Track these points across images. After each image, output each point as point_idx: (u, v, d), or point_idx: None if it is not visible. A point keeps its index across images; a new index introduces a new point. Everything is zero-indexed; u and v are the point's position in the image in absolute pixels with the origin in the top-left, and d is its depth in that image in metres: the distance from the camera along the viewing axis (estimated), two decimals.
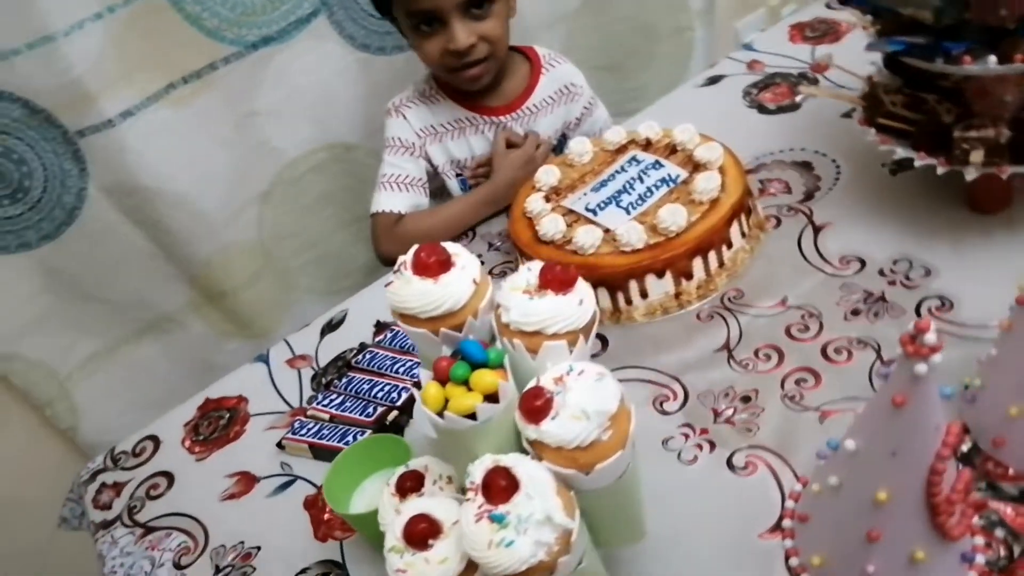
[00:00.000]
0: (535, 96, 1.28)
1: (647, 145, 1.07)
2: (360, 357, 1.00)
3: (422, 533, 0.58)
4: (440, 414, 0.57)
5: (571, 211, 1.01)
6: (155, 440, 1.04)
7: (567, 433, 0.55)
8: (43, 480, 1.25)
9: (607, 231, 0.95)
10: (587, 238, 0.94)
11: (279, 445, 0.94)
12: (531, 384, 0.59)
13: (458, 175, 1.29)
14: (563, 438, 0.55)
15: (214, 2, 1.30)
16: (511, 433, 0.58)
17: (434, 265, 0.60)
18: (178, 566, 0.87)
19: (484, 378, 0.56)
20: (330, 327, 1.11)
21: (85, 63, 1.21)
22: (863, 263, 0.91)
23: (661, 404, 0.85)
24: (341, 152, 1.50)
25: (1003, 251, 0.86)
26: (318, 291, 1.57)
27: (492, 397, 0.57)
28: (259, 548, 0.86)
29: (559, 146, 1.31)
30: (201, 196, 1.39)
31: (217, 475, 0.95)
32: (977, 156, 0.80)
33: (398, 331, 1.02)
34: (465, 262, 0.61)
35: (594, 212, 0.99)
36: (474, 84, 1.20)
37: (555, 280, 0.60)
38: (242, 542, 0.87)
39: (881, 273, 0.89)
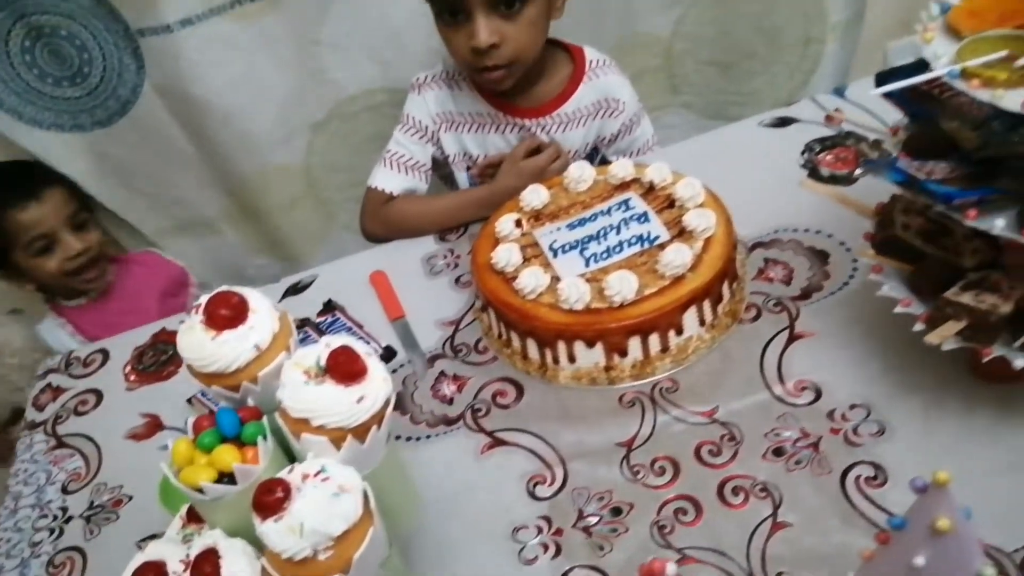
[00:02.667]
0: (570, 104, 1.17)
1: (649, 189, 0.97)
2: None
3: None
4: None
5: (536, 243, 0.94)
6: (105, 355, 1.08)
7: (279, 543, 0.51)
8: None
9: (555, 279, 0.88)
10: (530, 281, 0.87)
11: (188, 401, 0.95)
12: (284, 472, 0.55)
13: (468, 168, 1.22)
14: (275, 545, 0.52)
15: None
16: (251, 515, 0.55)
17: (221, 318, 0.56)
18: (65, 490, 0.91)
19: (224, 455, 0.53)
20: (295, 289, 1.11)
21: None
22: (818, 395, 0.80)
23: (535, 485, 0.79)
24: (400, 97, 1.45)
25: (977, 435, 0.72)
26: (355, 229, 1.57)
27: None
28: (131, 498, 0.89)
29: (588, 158, 1.20)
30: (251, 115, 1.41)
31: (133, 410, 0.98)
32: (949, 329, 0.66)
33: (338, 318, 1.00)
34: (257, 322, 0.57)
35: (554, 253, 0.91)
36: (495, 87, 1.11)
37: (340, 368, 0.55)
38: (121, 486, 0.90)
39: (830, 415, 0.78)
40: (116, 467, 0.92)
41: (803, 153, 1.08)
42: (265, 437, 0.55)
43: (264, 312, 0.59)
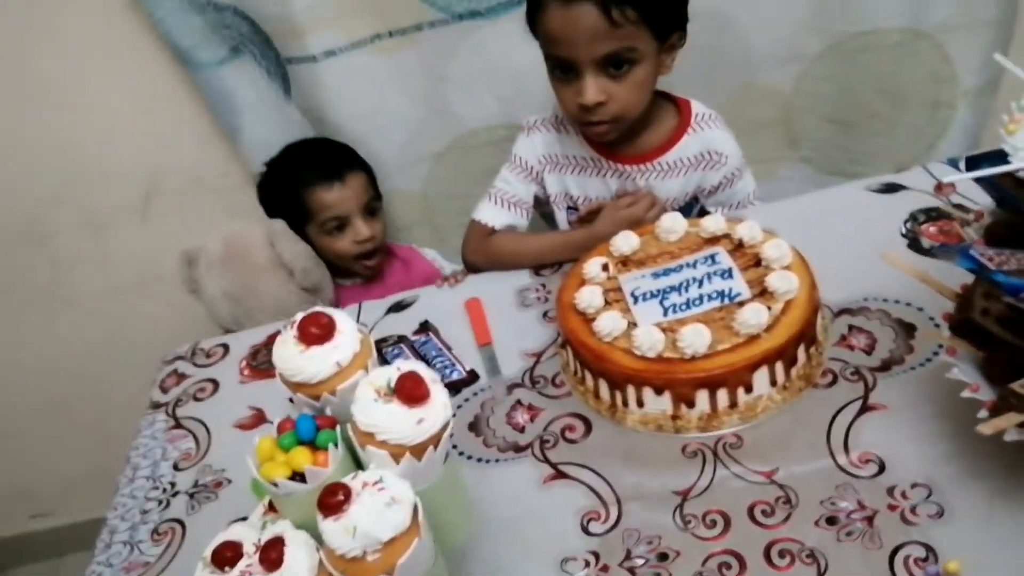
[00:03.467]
0: (671, 154, 1.21)
1: (738, 246, 0.99)
2: (390, 349, 1.07)
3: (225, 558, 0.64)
4: None
5: (620, 288, 0.98)
6: (226, 349, 1.20)
7: (335, 540, 0.58)
8: None
9: (632, 325, 0.92)
10: (608, 324, 0.91)
11: (290, 399, 1.04)
12: (348, 478, 0.62)
13: (569, 207, 1.27)
14: (332, 542, 0.58)
15: None
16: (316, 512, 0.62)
17: (310, 335, 0.64)
18: (176, 467, 1.02)
19: (298, 456, 0.60)
20: (398, 307, 1.19)
21: (302, 2, 1.35)
22: (882, 469, 0.80)
23: (589, 521, 0.83)
24: (518, 134, 1.53)
25: None
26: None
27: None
28: (230, 481, 0.98)
29: (686, 209, 1.23)
30: (379, 141, 1.52)
31: (244, 402, 1.09)
32: (1008, 420, 0.65)
33: (431, 339, 1.07)
34: (341, 342, 0.64)
35: (635, 299, 0.95)
36: (599, 139, 1.17)
37: (405, 391, 0.62)
38: (224, 470, 1.00)
39: (890, 491, 0.77)
40: (222, 452, 1.02)
41: (906, 222, 1.07)
42: (336, 444, 0.62)
43: (348, 333, 0.66)
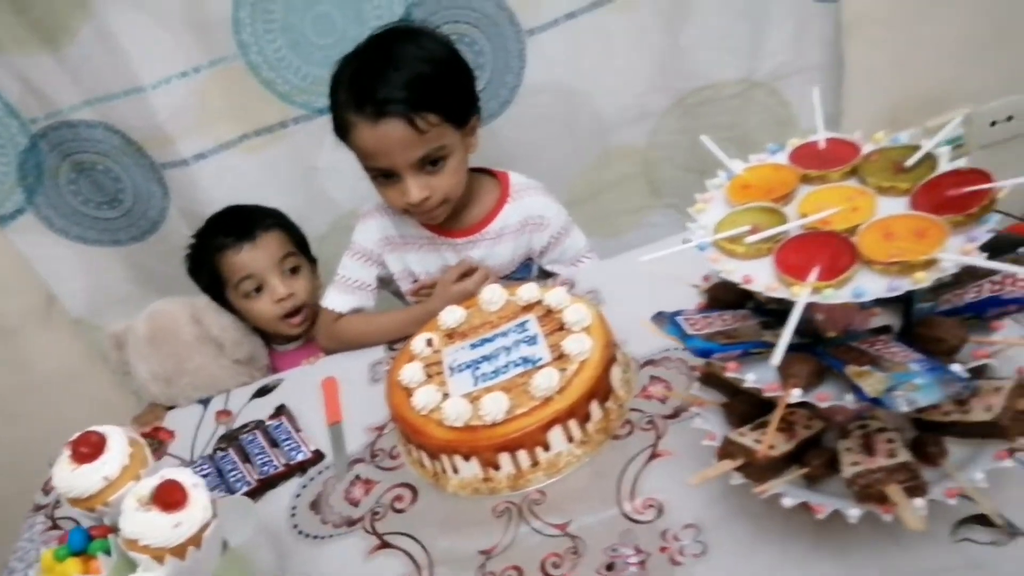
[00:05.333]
0: (496, 224, 1.32)
1: (548, 312, 1.07)
2: (246, 436, 1.14)
3: None
4: None
5: (441, 362, 1.05)
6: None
7: None
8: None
9: (446, 396, 0.99)
10: (423, 399, 0.98)
11: None
12: None
13: (414, 282, 1.36)
14: None
15: (287, 71, 1.47)
16: None
17: (80, 454, 0.71)
18: None
19: (68, 567, 0.67)
20: (263, 391, 1.26)
21: (168, 111, 1.46)
22: (660, 513, 0.86)
23: None
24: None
25: (792, 562, 0.76)
26: None
27: None
28: None
29: (524, 270, 1.32)
30: None
31: None
32: (720, 468, 0.72)
33: (283, 422, 1.14)
34: (109, 458, 0.72)
35: (452, 371, 1.02)
36: (431, 222, 1.26)
37: (162, 498, 0.69)
38: None
39: (664, 534, 0.84)
40: None
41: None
42: (108, 552, 0.69)
43: (117, 449, 0.73)
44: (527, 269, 1.35)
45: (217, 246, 1.42)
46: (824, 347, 0.70)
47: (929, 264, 0.59)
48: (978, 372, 0.74)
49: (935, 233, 0.61)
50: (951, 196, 0.63)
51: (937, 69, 1.67)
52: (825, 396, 0.65)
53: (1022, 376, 0.69)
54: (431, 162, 1.18)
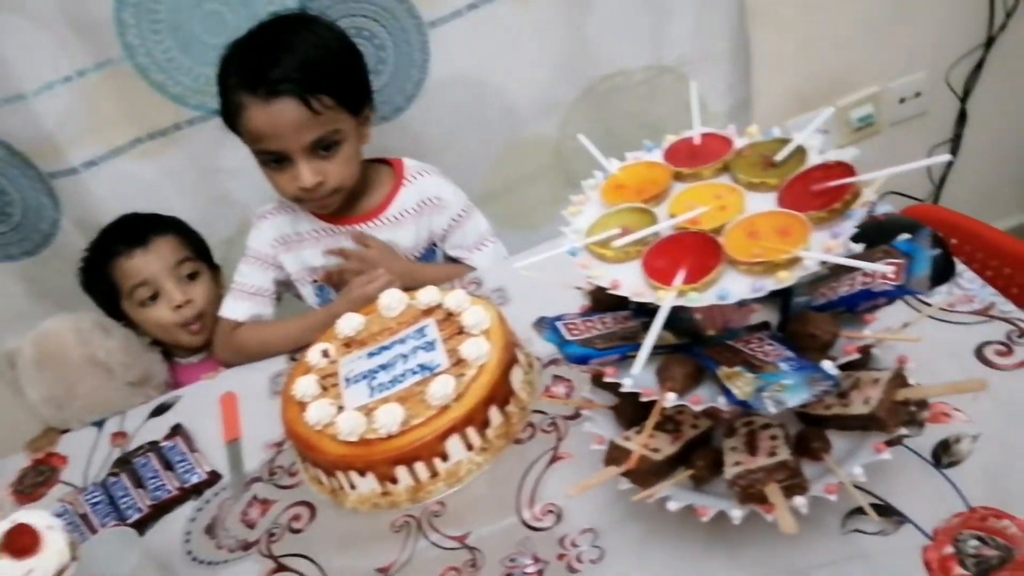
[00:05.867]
0: (393, 208, 1.30)
1: (448, 316, 1.04)
2: (139, 459, 1.09)
3: None
4: None
5: (336, 373, 1.02)
6: None
7: None
8: None
9: (341, 409, 0.95)
10: (316, 414, 0.95)
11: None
12: None
13: (313, 282, 1.33)
14: None
15: (178, 72, 1.41)
16: None
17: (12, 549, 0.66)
18: None
19: None
20: (160, 409, 1.21)
21: (54, 118, 1.38)
22: (559, 519, 0.85)
23: None
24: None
25: (685, 565, 0.76)
26: None
27: None
28: None
29: (427, 257, 1.33)
30: None
31: None
32: (603, 476, 0.71)
33: (177, 443, 1.10)
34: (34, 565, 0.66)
35: (348, 383, 0.99)
36: (324, 211, 1.23)
37: (12, 545, 0.64)
38: None
39: (561, 541, 0.82)
40: None
41: None
42: None
43: (52, 547, 0.68)
44: (432, 254, 1.33)
45: (110, 254, 1.35)
46: (702, 347, 0.68)
47: (792, 263, 0.58)
48: (861, 363, 0.74)
49: (798, 230, 0.60)
50: (816, 191, 0.62)
51: (843, 49, 1.68)
52: (699, 399, 0.63)
53: (899, 367, 0.69)
54: (324, 147, 1.17)
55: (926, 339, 0.83)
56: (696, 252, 0.62)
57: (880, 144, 1.79)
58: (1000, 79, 1.72)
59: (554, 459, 0.91)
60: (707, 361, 0.65)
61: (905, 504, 0.74)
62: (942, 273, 0.94)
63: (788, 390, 0.58)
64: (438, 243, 1.34)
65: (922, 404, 0.71)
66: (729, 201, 0.65)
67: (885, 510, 0.73)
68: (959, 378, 0.81)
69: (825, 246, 0.59)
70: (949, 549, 0.69)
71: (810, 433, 0.70)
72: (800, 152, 0.67)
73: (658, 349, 0.70)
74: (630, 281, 0.62)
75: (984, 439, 0.76)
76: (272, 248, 1.31)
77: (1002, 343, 0.84)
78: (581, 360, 0.68)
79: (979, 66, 1.70)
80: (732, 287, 0.59)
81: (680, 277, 0.60)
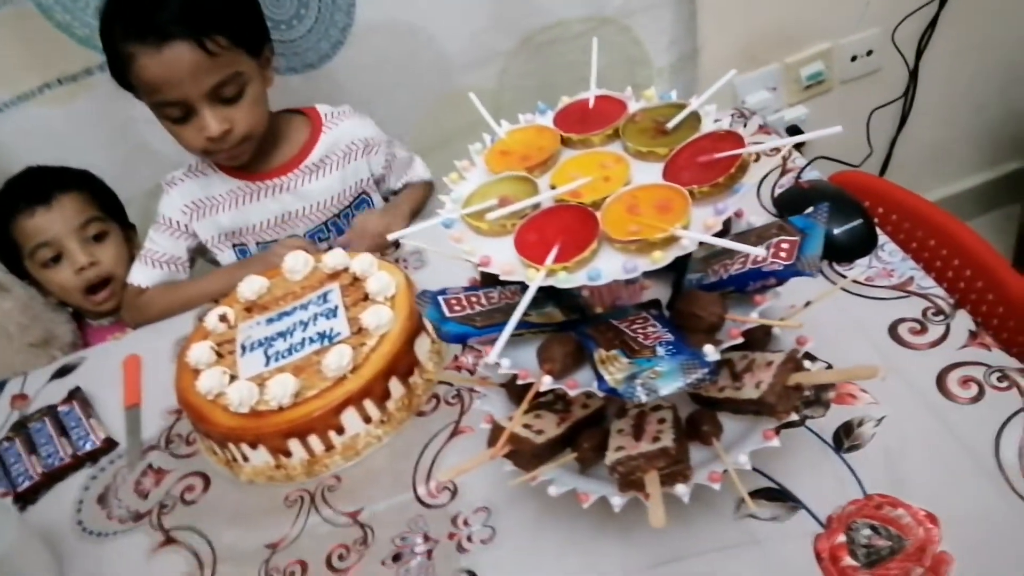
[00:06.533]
0: (314, 155, 1.25)
1: (354, 281, 0.99)
2: (35, 424, 1.04)
3: None
4: None
5: (234, 340, 0.97)
6: None
7: None
8: None
9: (234, 378, 0.91)
10: (208, 383, 0.91)
11: None
12: None
13: (235, 245, 1.27)
14: None
15: (84, 13, 1.32)
16: None
17: None
18: None
19: None
20: (63, 371, 1.16)
21: None
22: (454, 496, 0.82)
23: None
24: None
25: (577, 547, 0.73)
26: None
27: None
28: None
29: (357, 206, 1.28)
30: None
31: None
32: (478, 460, 0.67)
33: (73, 407, 1.05)
34: None
35: (244, 350, 0.95)
36: (236, 163, 1.17)
37: None
38: None
39: (454, 520, 0.79)
40: None
41: None
42: None
43: None
44: (363, 203, 1.28)
45: (8, 210, 1.28)
46: (587, 325, 0.64)
47: (668, 242, 0.54)
48: (761, 343, 0.70)
49: (679, 206, 0.55)
50: (703, 163, 0.58)
51: (794, 4, 1.63)
52: (575, 383, 0.59)
53: (794, 349, 0.65)
54: (227, 93, 1.10)
55: (841, 314, 0.81)
56: (573, 228, 0.57)
57: (830, 103, 1.74)
58: (953, 38, 1.68)
59: (455, 432, 0.87)
60: (588, 341, 0.61)
61: (802, 489, 0.71)
62: (864, 244, 0.91)
63: (662, 377, 0.54)
64: (370, 192, 1.29)
65: (828, 385, 0.68)
66: (614, 172, 0.60)
67: (780, 495, 0.71)
68: (871, 357, 0.79)
69: (706, 223, 0.55)
70: (841, 538, 0.66)
71: (702, 416, 0.67)
72: (694, 119, 0.62)
73: (544, 327, 0.66)
74: (502, 257, 0.58)
75: (888, 422, 0.74)
76: (183, 215, 1.25)
77: (917, 321, 0.81)
78: (459, 339, 0.64)
79: (932, 24, 1.65)
80: (605, 267, 0.55)
81: (552, 255, 0.55)
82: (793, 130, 1.70)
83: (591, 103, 0.68)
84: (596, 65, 0.72)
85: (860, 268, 0.89)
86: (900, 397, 0.75)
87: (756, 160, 0.95)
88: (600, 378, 0.56)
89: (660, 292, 0.68)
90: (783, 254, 0.59)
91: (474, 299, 0.68)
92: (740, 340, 0.58)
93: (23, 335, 1.24)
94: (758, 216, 0.72)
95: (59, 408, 1.06)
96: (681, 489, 0.62)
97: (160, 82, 1.06)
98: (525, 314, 0.65)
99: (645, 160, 0.62)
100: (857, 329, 0.82)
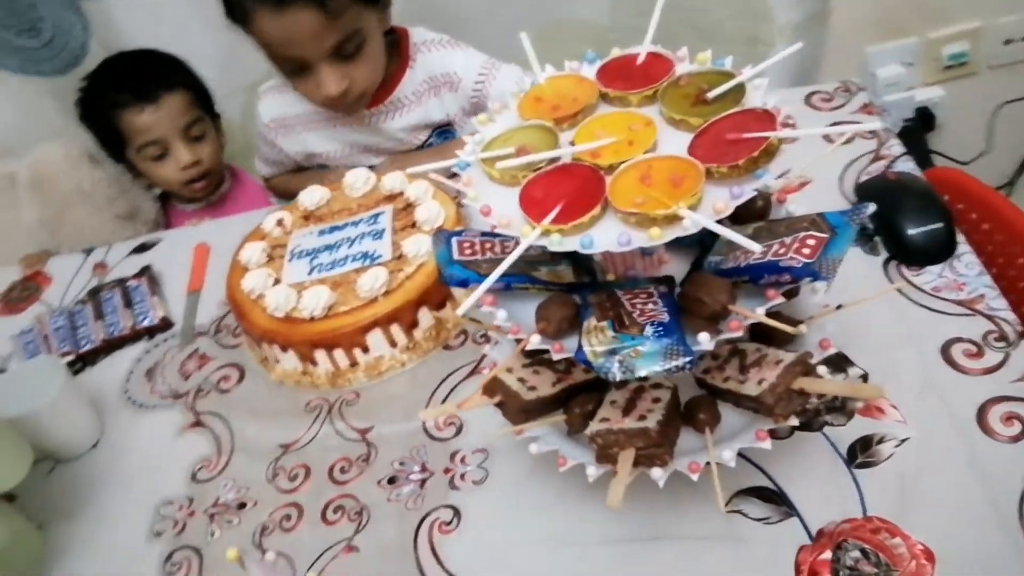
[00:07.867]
0: (400, 90, 1.21)
1: (407, 206, 1.00)
2: (105, 293, 1.12)
3: None
4: None
5: (285, 245, 1.00)
6: None
7: None
8: None
9: (278, 282, 0.94)
10: (252, 282, 0.94)
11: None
12: None
13: (320, 166, 1.29)
14: None
15: None
16: None
17: None
18: None
19: None
20: (142, 247, 1.23)
21: None
22: (458, 432, 0.83)
23: (199, 469, 0.88)
24: None
25: (568, 501, 0.73)
26: None
27: None
28: None
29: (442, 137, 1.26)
30: None
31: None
32: (444, 410, 0.67)
33: (141, 283, 1.11)
34: None
35: (292, 257, 0.97)
36: (349, 113, 1.18)
37: None
38: None
39: (452, 456, 0.81)
40: None
41: None
42: None
43: None
44: (446, 135, 1.26)
45: (115, 102, 1.32)
46: (594, 290, 0.62)
47: (670, 220, 0.51)
48: (784, 339, 0.66)
49: (691, 182, 0.52)
50: (731, 140, 0.54)
51: None
52: (560, 348, 0.58)
53: (805, 353, 0.61)
54: (347, 51, 1.07)
55: (896, 321, 0.76)
56: (581, 189, 0.55)
57: (972, 88, 1.59)
58: None
59: (475, 371, 0.88)
60: (586, 308, 0.59)
61: (800, 496, 0.68)
62: (940, 250, 0.84)
63: (642, 357, 0.52)
64: (456, 124, 1.26)
65: None
66: (640, 136, 0.57)
67: (776, 496, 0.68)
68: (913, 371, 0.74)
69: (715, 207, 0.51)
70: (827, 555, 0.63)
71: (701, 402, 0.65)
72: (738, 91, 0.58)
73: (552, 285, 0.65)
74: (504, 209, 0.56)
75: (910, 444, 0.69)
76: (269, 130, 1.28)
77: (975, 343, 0.75)
78: (461, 283, 0.63)
79: None
80: (599, 236, 0.53)
81: (553, 214, 0.54)
82: (922, 113, 1.56)
83: (640, 58, 0.64)
84: (659, 14, 0.67)
85: (930, 275, 0.82)
86: (932, 420, 0.70)
87: (832, 142, 0.88)
88: (580, 347, 0.55)
89: (680, 268, 0.65)
90: (806, 250, 0.55)
91: (488, 245, 0.67)
92: (739, 334, 0.55)
93: (111, 206, 1.32)
94: (811, 203, 0.67)
95: (129, 283, 1.13)
96: (657, 473, 0.61)
97: (280, 41, 1.05)
98: (535, 269, 0.64)
99: (677, 128, 0.58)
100: (908, 339, 0.77)
